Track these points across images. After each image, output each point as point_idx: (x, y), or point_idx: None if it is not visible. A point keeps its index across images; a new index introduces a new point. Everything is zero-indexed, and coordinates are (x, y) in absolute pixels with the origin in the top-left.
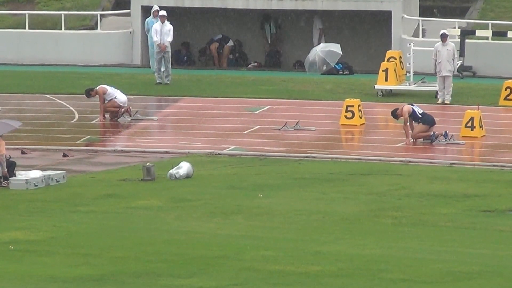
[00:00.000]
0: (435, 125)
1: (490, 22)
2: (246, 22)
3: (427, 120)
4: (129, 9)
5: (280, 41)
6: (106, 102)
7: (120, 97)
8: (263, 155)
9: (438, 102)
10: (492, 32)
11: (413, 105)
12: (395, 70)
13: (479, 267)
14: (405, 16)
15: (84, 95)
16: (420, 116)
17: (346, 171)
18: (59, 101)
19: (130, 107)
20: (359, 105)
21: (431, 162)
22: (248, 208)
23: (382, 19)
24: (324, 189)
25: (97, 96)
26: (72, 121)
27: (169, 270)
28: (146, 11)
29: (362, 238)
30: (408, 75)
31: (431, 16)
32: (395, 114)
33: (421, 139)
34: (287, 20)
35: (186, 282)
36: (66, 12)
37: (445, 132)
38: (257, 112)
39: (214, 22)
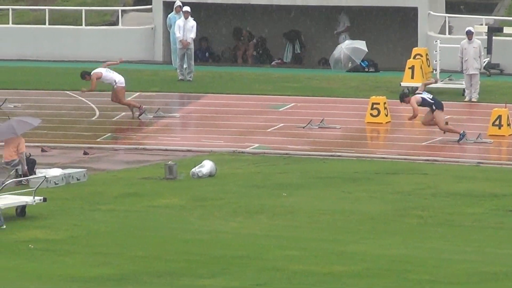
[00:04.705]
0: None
1: None
2: (270, 19)
3: (440, 105)
4: (151, 4)
5: (302, 57)
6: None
7: (117, 77)
8: (287, 154)
9: (465, 100)
10: None
11: (420, 94)
12: (421, 67)
13: (506, 267)
14: (431, 12)
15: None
16: (433, 101)
17: (371, 170)
18: (80, 97)
19: (143, 106)
20: (384, 103)
21: (457, 161)
22: (272, 207)
23: (408, 16)
24: (349, 188)
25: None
26: (93, 118)
27: (191, 270)
28: (168, 6)
29: (387, 238)
30: (434, 72)
31: (457, 12)
32: (403, 99)
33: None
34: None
35: (208, 282)
36: (87, 8)
37: (479, 134)
38: (281, 109)
39: (238, 18)
